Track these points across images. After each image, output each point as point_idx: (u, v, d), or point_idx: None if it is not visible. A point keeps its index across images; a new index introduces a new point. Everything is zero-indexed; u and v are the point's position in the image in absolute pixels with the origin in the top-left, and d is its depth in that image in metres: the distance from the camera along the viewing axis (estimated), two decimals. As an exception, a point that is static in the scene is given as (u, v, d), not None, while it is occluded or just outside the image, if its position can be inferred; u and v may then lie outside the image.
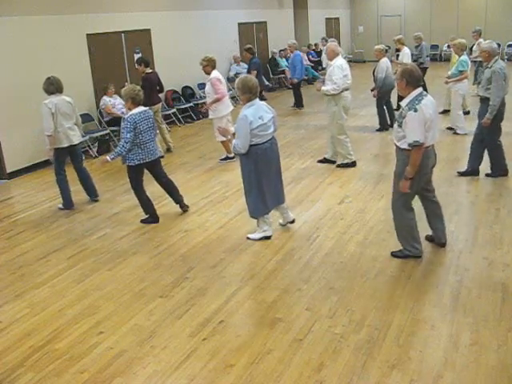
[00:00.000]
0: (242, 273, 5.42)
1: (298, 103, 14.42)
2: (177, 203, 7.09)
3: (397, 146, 5.21)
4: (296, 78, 13.90)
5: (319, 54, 20.78)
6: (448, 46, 23.48)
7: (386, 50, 11.20)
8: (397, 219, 5.44)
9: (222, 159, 9.55)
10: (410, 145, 4.92)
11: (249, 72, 12.61)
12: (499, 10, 24.38)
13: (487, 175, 7.72)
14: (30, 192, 8.58)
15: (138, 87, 6.62)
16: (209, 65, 9.02)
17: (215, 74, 9.12)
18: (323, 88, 8.28)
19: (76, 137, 7.39)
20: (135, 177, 6.68)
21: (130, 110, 6.48)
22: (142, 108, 6.49)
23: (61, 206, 7.56)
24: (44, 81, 7.17)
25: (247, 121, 5.59)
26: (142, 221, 6.88)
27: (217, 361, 4.05)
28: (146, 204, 6.84)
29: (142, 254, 6.00)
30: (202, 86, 14.54)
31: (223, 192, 7.94)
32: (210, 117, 9.28)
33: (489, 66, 7.34)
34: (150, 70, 10.04)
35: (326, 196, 7.52)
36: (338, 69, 8.17)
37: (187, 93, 14.28)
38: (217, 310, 4.75)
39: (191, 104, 13.94)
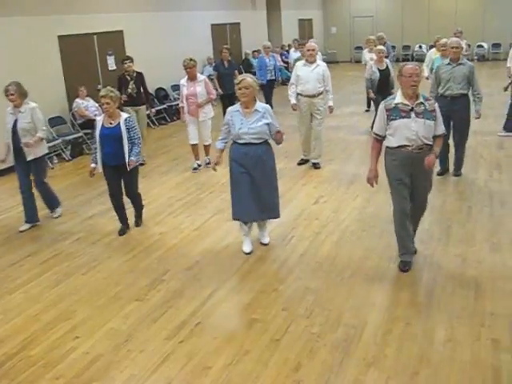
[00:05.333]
0: (218, 274, 5.42)
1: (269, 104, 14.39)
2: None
3: (427, 144, 4.96)
4: (260, 80, 13.96)
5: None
6: (431, 46, 23.79)
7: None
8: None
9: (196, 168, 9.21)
10: (441, 134, 5.04)
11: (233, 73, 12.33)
12: (469, 12, 24.78)
13: (439, 174, 7.82)
14: (1, 197, 8.45)
15: None
16: (195, 66, 8.90)
17: (201, 75, 9.04)
18: (332, 104, 8.62)
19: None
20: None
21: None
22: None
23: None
24: (18, 84, 6.65)
25: None
26: (138, 225, 6.80)
27: (194, 363, 4.04)
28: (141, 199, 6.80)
29: (117, 258, 5.96)
30: (175, 87, 14.48)
31: (198, 194, 7.93)
32: (201, 119, 8.93)
33: (462, 63, 7.43)
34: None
35: (300, 196, 7.55)
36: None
37: (161, 94, 14.23)
38: (193, 312, 4.74)
39: (165, 106, 13.89)
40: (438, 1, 25.75)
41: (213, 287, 5.16)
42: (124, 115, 6.28)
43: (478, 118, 7.63)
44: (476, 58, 23.74)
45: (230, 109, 5.69)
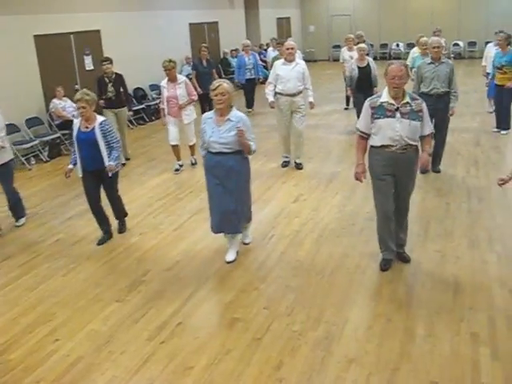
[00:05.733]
0: (199, 274, 5.41)
1: (248, 104, 14.31)
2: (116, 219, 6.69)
3: (411, 145, 4.91)
4: (239, 79, 13.96)
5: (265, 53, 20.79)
6: (408, 44, 24.05)
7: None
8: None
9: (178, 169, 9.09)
10: (429, 134, 5.04)
11: (211, 72, 12.24)
12: (445, 11, 25.01)
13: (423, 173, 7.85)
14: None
15: None
16: (175, 67, 8.74)
17: (182, 76, 8.93)
18: (312, 100, 8.60)
19: None
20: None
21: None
22: None
23: None
24: None
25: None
26: (122, 231, 6.57)
27: (176, 363, 4.03)
28: (123, 205, 6.63)
29: (97, 259, 5.91)
30: (153, 87, 14.43)
31: (177, 194, 7.90)
32: (186, 122, 8.78)
33: (444, 61, 7.53)
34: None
35: (280, 195, 7.57)
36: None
37: (139, 94, 14.14)
38: (174, 312, 4.73)
39: (143, 106, 13.81)
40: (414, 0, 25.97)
41: (193, 287, 5.15)
42: (99, 119, 6.03)
43: (452, 115, 7.71)
44: (452, 56, 23.98)
45: (204, 115, 5.50)
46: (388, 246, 5.26)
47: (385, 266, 5.24)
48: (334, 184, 7.87)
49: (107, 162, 5.97)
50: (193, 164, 9.14)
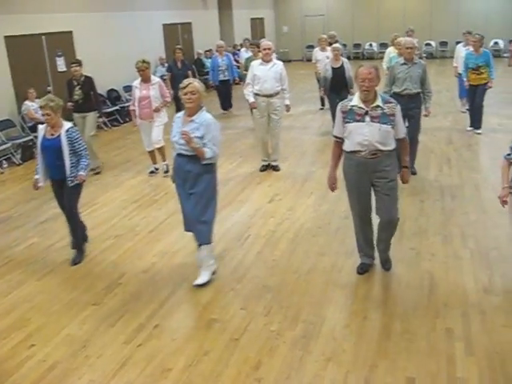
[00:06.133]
0: (175, 276, 5.39)
1: (223, 105, 14.24)
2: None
3: (383, 151, 4.72)
4: (213, 81, 13.96)
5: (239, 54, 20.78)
6: (382, 44, 24.33)
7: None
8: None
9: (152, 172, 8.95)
10: (403, 138, 4.84)
11: (186, 73, 12.10)
12: (417, 11, 25.32)
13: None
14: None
15: None
16: (149, 68, 8.50)
17: (156, 77, 8.77)
18: (289, 102, 8.52)
19: None
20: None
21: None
22: None
23: None
24: None
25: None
26: (76, 262, 5.89)
27: (153, 366, 4.02)
28: (82, 228, 6.17)
29: (72, 262, 5.86)
30: (128, 88, 14.30)
31: (153, 195, 7.86)
32: (157, 124, 8.52)
33: (417, 62, 7.54)
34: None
35: (255, 195, 7.58)
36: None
37: (112, 96, 14.04)
38: (151, 314, 4.71)
39: (117, 107, 13.71)
40: (387, 0, 26.20)
41: (170, 289, 5.13)
42: (66, 125, 5.66)
43: (427, 115, 7.79)
44: (424, 55, 24.26)
45: (175, 115, 5.29)
46: (365, 251, 5.22)
47: (361, 269, 5.20)
48: (309, 184, 7.90)
49: (68, 172, 5.59)
50: (165, 172, 8.71)
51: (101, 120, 9.74)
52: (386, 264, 5.24)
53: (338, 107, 4.84)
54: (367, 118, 4.64)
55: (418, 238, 5.90)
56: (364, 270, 5.19)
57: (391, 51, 10.91)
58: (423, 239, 5.87)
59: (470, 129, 10.44)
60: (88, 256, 5.97)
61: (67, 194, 5.77)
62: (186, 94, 4.88)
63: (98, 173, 9.02)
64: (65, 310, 4.89)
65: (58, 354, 4.24)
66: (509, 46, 13.30)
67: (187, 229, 5.30)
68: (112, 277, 5.45)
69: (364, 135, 4.64)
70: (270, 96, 8.24)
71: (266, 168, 8.75)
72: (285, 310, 4.65)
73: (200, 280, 5.15)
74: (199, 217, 5.02)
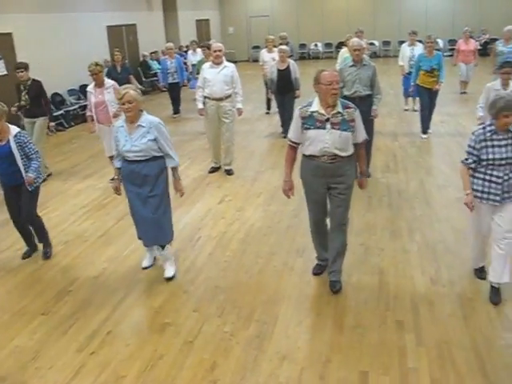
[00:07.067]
0: (127, 280, 5.33)
1: (174, 108, 14.11)
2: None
3: (342, 157, 4.63)
4: (162, 83, 13.87)
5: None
6: (326, 44, 24.68)
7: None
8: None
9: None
10: (363, 141, 4.79)
11: (127, 77, 11.81)
12: (360, 11, 25.83)
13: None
14: None
15: None
16: (102, 71, 8.21)
17: (110, 80, 8.44)
18: (241, 106, 8.40)
19: None
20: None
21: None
22: None
23: None
24: None
25: None
26: (48, 256, 5.99)
27: (107, 373, 3.96)
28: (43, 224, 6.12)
29: (20, 270, 5.71)
30: (72, 92, 14.08)
31: (101, 200, 7.75)
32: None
33: (366, 64, 7.41)
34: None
35: (205, 197, 7.57)
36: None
37: (57, 100, 13.73)
38: (104, 320, 4.64)
39: (62, 112, 13.43)
40: (330, 0, 26.57)
41: (122, 293, 5.07)
42: (14, 131, 5.54)
43: (375, 117, 7.71)
44: (368, 55, 24.74)
45: (116, 124, 5.24)
46: (321, 254, 5.22)
47: (316, 271, 5.21)
48: (258, 184, 7.94)
49: (26, 175, 5.59)
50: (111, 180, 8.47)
51: (52, 125, 9.29)
52: (337, 288, 4.92)
53: (297, 112, 4.65)
54: (328, 125, 4.52)
55: (366, 233, 6.02)
56: (319, 271, 5.21)
57: (345, 52, 10.80)
58: (371, 234, 5.99)
59: (424, 136, 10.07)
60: (37, 263, 5.84)
61: (25, 198, 5.72)
62: (124, 103, 4.87)
63: (44, 180, 8.80)
64: (14, 320, 4.77)
65: (6, 367, 4.12)
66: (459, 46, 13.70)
67: (143, 235, 5.30)
68: (62, 284, 5.35)
69: (325, 142, 4.52)
70: (220, 99, 8.12)
71: (215, 170, 8.70)
72: (238, 310, 4.66)
73: (171, 272, 5.33)
74: (162, 216, 5.15)
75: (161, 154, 5.07)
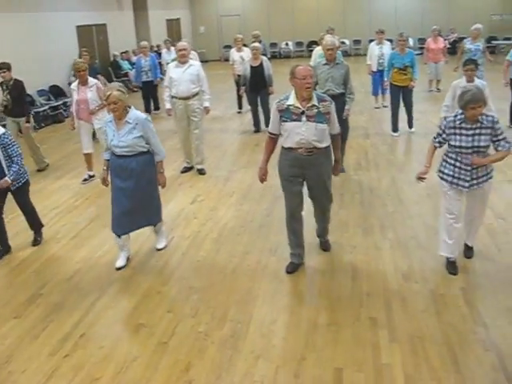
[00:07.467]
0: (100, 281, 5.29)
1: (146, 107, 14.02)
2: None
3: (319, 148, 4.88)
4: (136, 82, 13.80)
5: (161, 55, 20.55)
6: (297, 43, 24.78)
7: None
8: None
9: (86, 179, 8.63)
10: (337, 133, 5.04)
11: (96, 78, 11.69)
12: (330, 9, 26.02)
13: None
14: None
15: None
16: (87, 69, 8.19)
17: (93, 79, 8.43)
18: (208, 104, 8.36)
19: None
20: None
21: None
22: None
23: None
24: None
25: None
26: (37, 243, 6.28)
27: (81, 376, 3.93)
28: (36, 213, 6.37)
29: (-10, 275, 5.63)
30: (42, 92, 13.88)
31: (73, 201, 7.67)
32: (97, 126, 8.19)
33: (339, 62, 7.49)
34: None
35: (177, 197, 7.55)
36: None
37: (26, 101, 13.53)
38: (77, 323, 4.60)
39: (32, 113, 13.22)
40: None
41: (95, 295, 5.03)
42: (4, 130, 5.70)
43: (347, 116, 7.77)
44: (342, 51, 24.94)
45: (106, 118, 5.46)
46: (295, 250, 5.26)
47: (290, 269, 5.22)
48: (230, 183, 7.95)
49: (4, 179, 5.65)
50: (90, 177, 8.58)
51: (27, 126, 9.15)
52: (327, 247, 5.64)
53: (274, 106, 4.86)
54: (303, 118, 4.74)
55: (339, 231, 6.06)
56: (293, 269, 5.23)
57: (319, 50, 10.89)
58: (344, 232, 6.04)
59: (395, 134, 10.12)
60: (8, 266, 5.76)
61: (16, 196, 6.00)
62: (109, 104, 5.11)
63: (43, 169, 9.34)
64: (-16, 324, 4.70)
65: (-21, 370, 4.08)
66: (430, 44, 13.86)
67: (127, 225, 5.45)
68: (34, 287, 5.29)
69: (301, 134, 4.76)
70: (187, 98, 8.10)
71: (188, 170, 8.68)
72: (212, 310, 4.66)
73: (162, 244, 5.92)
74: (150, 202, 5.51)
75: (147, 149, 5.34)
